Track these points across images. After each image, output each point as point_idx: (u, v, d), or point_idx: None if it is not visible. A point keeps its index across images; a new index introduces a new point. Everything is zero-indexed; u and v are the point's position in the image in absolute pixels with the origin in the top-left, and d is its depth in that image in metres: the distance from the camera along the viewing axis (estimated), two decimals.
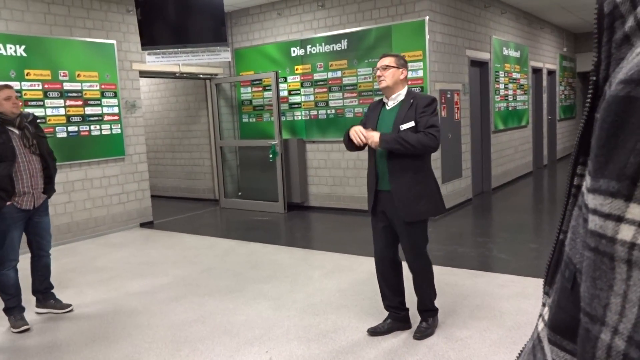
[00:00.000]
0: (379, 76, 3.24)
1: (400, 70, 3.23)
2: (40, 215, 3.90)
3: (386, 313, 3.46)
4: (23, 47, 5.88)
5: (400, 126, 3.14)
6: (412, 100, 3.20)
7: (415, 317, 3.43)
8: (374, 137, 3.09)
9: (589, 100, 0.51)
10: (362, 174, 7.27)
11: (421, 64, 6.59)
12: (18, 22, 5.89)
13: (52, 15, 6.19)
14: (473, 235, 6.14)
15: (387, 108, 3.30)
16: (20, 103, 4.21)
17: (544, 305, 0.63)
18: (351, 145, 3.23)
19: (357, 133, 3.14)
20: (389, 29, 6.81)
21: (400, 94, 3.26)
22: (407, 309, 3.43)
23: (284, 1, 7.75)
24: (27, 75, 5.92)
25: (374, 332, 3.37)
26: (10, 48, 5.78)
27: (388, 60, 3.24)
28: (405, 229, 3.21)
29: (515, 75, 9.51)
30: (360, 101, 7.22)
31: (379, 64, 3.27)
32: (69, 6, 6.35)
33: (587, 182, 0.47)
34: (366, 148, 3.26)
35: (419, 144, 3.06)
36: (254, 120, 8.38)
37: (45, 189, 3.88)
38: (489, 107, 8.46)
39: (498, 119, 8.80)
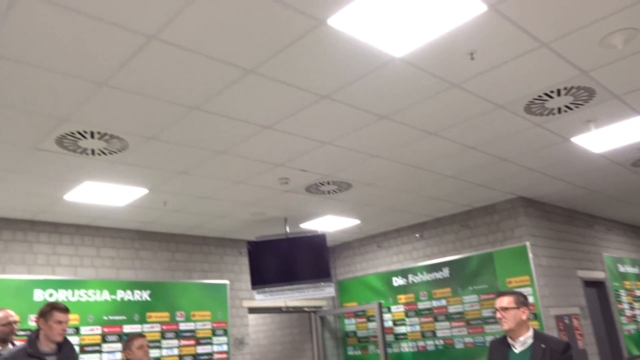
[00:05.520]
0: (500, 318, 3.21)
1: (521, 310, 3.18)
2: None
3: None
4: (148, 292, 6.47)
5: None
6: (543, 345, 3.09)
7: None
8: None
9: None
10: None
11: (530, 289, 6.32)
12: (146, 270, 6.61)
13: (175, 262, 6.90)
14: None
15: (516, 351, 3.18)
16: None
17: None
18: None
19: None
20: (490, 255, 6.78)
21: (528, 336, 3.17)
22: None
23: (384, 234, 8.13)
24: (148, 317, 6.38)
25: None
26: (137, 293, 6.38)
27: (507, 302, 3.20)
28: None
29: (638, 292, 8.76)
30: (470, 330, 6.86)
31: (497, 304, 3.26)
32: (190, 253, 7.08)
33: None
34: None
35: None
36: (360, 352, 8.14)
37: None
38: (616, 330, 7.66)
39: (630, 343, 7.87)
